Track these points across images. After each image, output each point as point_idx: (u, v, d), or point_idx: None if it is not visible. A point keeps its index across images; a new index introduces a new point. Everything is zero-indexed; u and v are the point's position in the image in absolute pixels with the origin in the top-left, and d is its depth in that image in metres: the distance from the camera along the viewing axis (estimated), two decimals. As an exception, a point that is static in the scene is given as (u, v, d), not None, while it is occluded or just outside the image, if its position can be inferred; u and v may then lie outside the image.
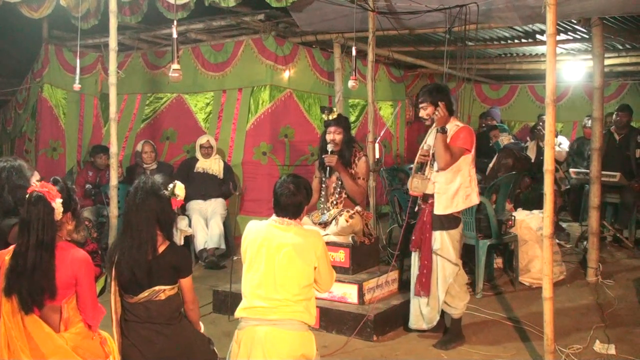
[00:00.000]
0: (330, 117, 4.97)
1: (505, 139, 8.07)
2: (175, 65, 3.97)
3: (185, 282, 3.12)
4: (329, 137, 4.94)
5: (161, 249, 3.04)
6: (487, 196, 5.66)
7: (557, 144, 8.27)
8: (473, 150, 4.28)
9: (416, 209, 4.52)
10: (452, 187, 4.23)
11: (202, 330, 3.31)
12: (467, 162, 4.24)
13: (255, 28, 7.46)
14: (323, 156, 4.92)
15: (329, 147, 4.89)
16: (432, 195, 4.29)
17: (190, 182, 6.38)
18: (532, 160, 7.57)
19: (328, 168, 4.89)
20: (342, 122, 5.02)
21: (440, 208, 4.24)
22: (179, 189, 3.13)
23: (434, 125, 4.25)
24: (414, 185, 4.31)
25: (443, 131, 4.18)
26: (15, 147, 9.16)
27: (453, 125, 4.31)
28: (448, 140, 4.22)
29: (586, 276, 5.86)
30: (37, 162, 7.97)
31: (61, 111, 8.27)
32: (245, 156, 7.54)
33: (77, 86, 5.85)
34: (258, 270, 3.14)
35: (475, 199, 4.35)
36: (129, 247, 3.00)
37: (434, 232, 4.29)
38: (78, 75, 5.86)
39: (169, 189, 3.10)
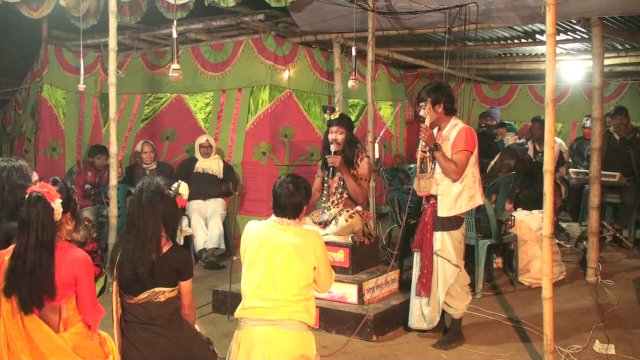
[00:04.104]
0: (333, 117, 4.95)
1: (510, 139, 8.09)
2: (175, 65, 3.97)
3: (185, 286, 3.12)
4: (331, 136, 4.92)
5: (164, 249, 3.04)
6: (487, 196, 5.66)
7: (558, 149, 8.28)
8: (476, 151, 4.26)
9: (421, 209, 4.52)
10: (455, 189, 4.20)
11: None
12: (470, 163, 4.22)
13: (255, 28, 7.46)
14: (326, 157, 4.90)
15: (332, 148, 4.88)
16: (434, 196, 4.28)
17: (189, 182, 6.30)
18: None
19: (331, 168, 4.88)
20: (344, 122, 4.99)
21: (444, 210, 4.22)
22: (183, 188, 3.14)
23: (427, 122, 4.25)
24: (422, 187, 4.30)
25: (437, 148, 4.17)
26: (15, 147, 9.16)
27: (453, 126, 4.30)
28: (450, 144, 4.21)
29: (586, 276, 5.86)
30: (36, 162, 7.97)
31: (61, 111, 8.27)
32: (245, 156, 7.54)
33: (82, 86, 5.86)
34: (257, 270, 3.14)
35: (479, 200, 4.33)
36: (132, 246, 2.99)
37: (435, 232, 4.28)
38: (82, 75, 5.86)
39: (173, 188, 3.11)
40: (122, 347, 3.03)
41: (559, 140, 8.51)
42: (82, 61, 6.00)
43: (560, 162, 8.06)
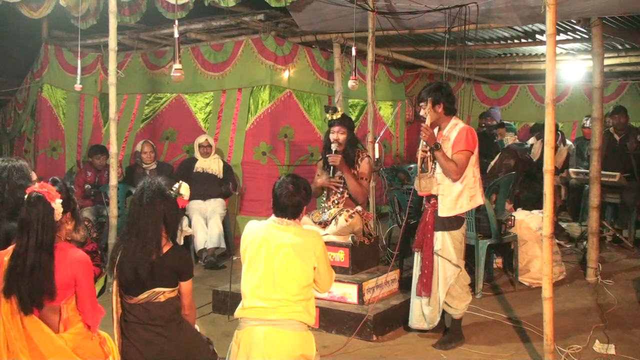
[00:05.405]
0: (335, 117, 4.95)
1: (510, 139, 8.09)
2: (177, 65, 3.96)
3: (185, 286, 3.11)
4: (332, 136, 4.92)
5: (165, 249, 3.04)
6: (487, 196, 5.66)
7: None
8: (476, 151, 4.26)
9: (422, 208, 4.52)
10: (456, 189, 4.20)
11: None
12: (470, 163, 4.22)
13: (255, 28, 7.46)
14: (327, 155, 4.91)
15: (333, 147, 4.88)
16: (435, 196, 4.28)
17: (189, 182, 6.32)
18: (537, 159, 7.58)
19: (332, 167, 4.88)
20: (346, 122, 4.99)
21: (445, 210, 4.21)
22: (184, 188, 3.14)
23: (427, 122, 4.25)
24: (422, 186, 4.29)
25: (437, 147, 4.17)
26: (15, 147, 9.16)
27: (453, 126, 4.30)
28: (450, 143, 4.21)
29: (586, 276, 5.86)
30: (36, 162, 7.97)
31: (61, 111, 8.28)
32: (245, 156, 7.54)
33: (78, 86, 5.85)
34: (257, 270, 3.14)
35: (479, 200, 4.32)
36: (133, 247, 2.99)
37: (436, 232, 4.28)
38: (79, 75, 5.86)
39: (174, 189, 3.11)
40: (122, 347, 3.03)
41: (569, 142, 8.56)
42: (79, 61, 5.99)
43: (565, 165, 8.08)
